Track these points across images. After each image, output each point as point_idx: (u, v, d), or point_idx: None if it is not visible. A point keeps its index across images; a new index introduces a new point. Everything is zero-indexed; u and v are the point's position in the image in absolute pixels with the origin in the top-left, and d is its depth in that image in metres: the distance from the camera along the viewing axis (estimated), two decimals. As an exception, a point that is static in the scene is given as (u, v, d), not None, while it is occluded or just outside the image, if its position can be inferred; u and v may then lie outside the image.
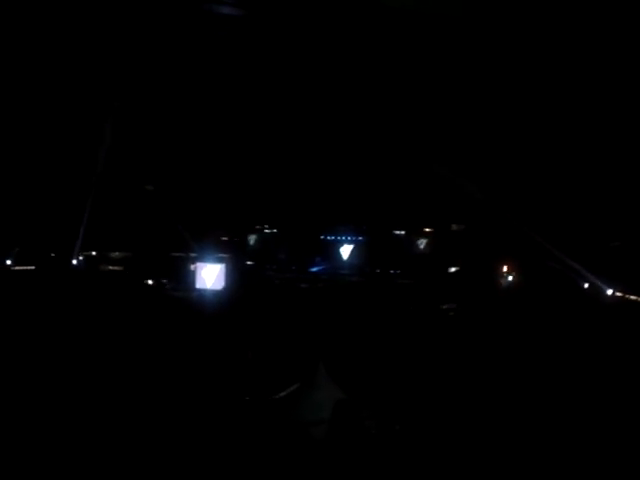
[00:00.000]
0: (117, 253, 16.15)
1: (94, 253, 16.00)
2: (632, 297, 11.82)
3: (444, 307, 10.94)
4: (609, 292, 12.28)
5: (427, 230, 16.34)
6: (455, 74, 11.78)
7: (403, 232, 16.53)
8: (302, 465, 4.25)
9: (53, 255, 15.15)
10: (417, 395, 5.82)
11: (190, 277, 13.86)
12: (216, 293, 12.87)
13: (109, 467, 4.33)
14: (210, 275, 13.53)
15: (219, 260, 14.21)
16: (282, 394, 5.12)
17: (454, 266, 15.46)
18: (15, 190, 14.45)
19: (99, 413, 5.12)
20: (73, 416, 5.07)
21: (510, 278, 14.49)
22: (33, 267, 14.52)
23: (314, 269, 16.42)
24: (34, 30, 10.66)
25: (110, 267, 15.88)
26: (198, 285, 13.48)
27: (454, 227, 16.05)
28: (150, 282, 13.95)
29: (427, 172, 13.86)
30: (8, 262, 14.68)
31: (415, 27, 10.35)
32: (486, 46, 10.75)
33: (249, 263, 16.71)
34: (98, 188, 14.52)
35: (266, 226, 17.61)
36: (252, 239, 17.60)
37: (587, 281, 12.56)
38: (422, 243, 16.29)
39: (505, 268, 14.65)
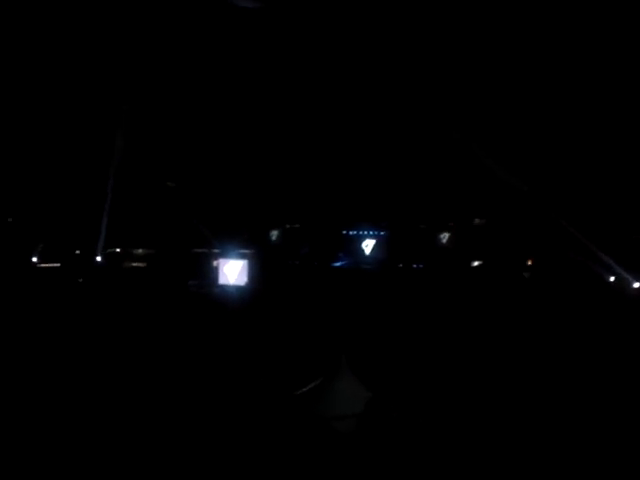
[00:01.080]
0: (140, 250, 16.28)
1: (118, 250, 16.16)
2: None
3: (467, 300, 10.87)
4: (635, 285, 12.11)
5: (450, 224, 16.23)
6: (478, 71, 11.70)
7: (425, 226, 16.44)
8: (328, 459, 4.25)
9: (77, 252, 15.32)
10: (441, 390, 5.79)
11: (213, 273, 13.92)
12: (239, 289, 12.93)
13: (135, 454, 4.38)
14: (233, 271, 13.57)
15: (242, 256, 14.25)
16: (305, 389, 5.12)
17: (477, 260, 15.35)
18: (39, 188, 14.64)
19: (122, 408, 5.19)
20: (105, 405, 5.15)
21: (535, 271, 14.35)
22: (58, 264, 14.72)
23: (336, 264, 16.40)
24: (61, 39, 10.79)
25: (134, 264, 16.02)
26: (221, 281, 13.53)
27: (477, 221, 15.92)
28: (173, 279, 14.04)
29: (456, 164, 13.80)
30: (34, 259, 14.89)
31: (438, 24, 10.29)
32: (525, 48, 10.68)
33: (271, 259, 16.73)
34: (121, 186, 14.65)
35: (288, 222, 17.63)
36: (274, 235, 17.64)
37: (613, 273, 12.41)
38: (444, 237, 16.18)
39: (529, 262, 14.52)
